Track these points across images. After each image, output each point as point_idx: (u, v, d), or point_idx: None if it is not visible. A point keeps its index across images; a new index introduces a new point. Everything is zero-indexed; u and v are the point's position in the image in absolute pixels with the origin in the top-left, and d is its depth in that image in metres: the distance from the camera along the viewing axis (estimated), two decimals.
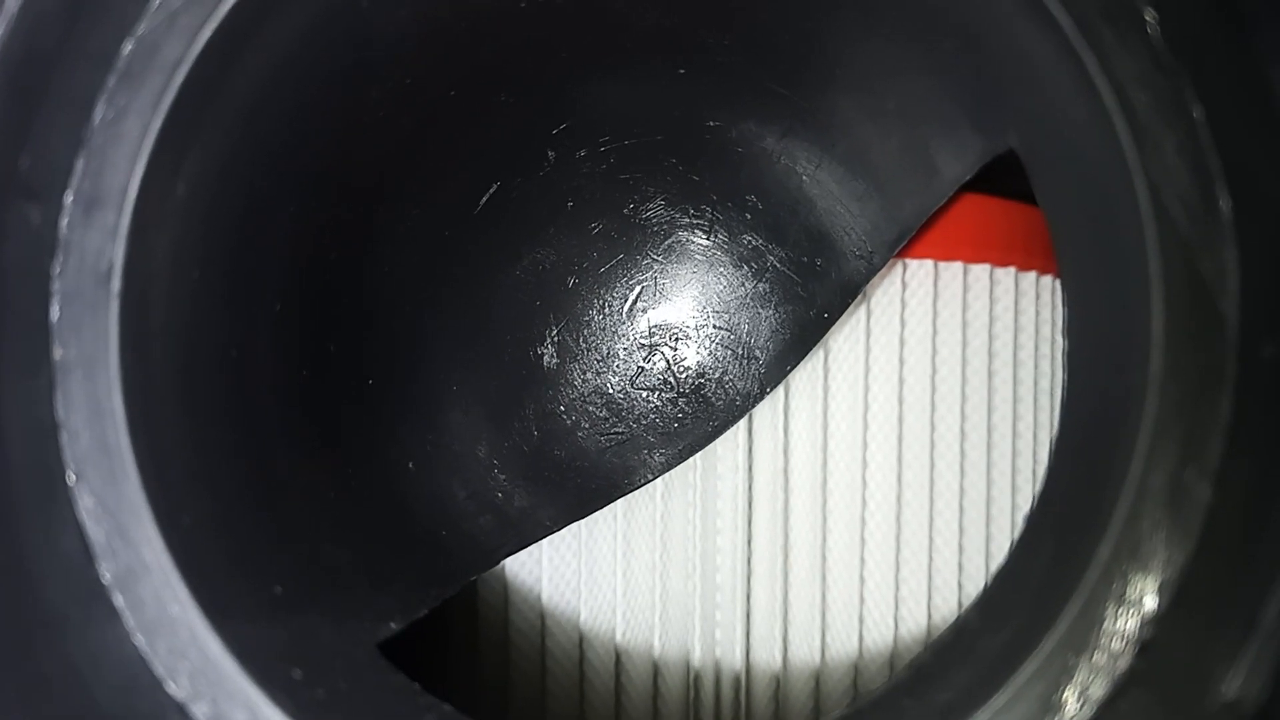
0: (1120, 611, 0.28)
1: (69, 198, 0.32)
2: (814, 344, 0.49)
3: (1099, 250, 0.31)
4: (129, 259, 0.32)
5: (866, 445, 0.50)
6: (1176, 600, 0.28)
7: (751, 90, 0.45)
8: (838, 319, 0.48)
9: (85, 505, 0.31)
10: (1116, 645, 0.28)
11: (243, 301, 0.37)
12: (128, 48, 0.32)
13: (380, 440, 0.45)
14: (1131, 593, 0.28)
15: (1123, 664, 0.28)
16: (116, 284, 0.32)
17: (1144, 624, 0.28)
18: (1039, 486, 0.33)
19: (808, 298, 0.49)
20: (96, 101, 0.32)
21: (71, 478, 0.31)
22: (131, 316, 0.32)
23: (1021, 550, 0.33)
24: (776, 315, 0.50)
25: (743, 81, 0.45)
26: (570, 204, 0.50)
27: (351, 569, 0.39)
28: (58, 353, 0.31)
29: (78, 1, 0.31)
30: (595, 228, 0.50)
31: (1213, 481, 0.28)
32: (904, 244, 0.46)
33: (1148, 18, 0.29)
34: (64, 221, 0.32)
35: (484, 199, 0.48)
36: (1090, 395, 0.32)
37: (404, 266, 0.46)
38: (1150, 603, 0.28)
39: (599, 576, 0.49)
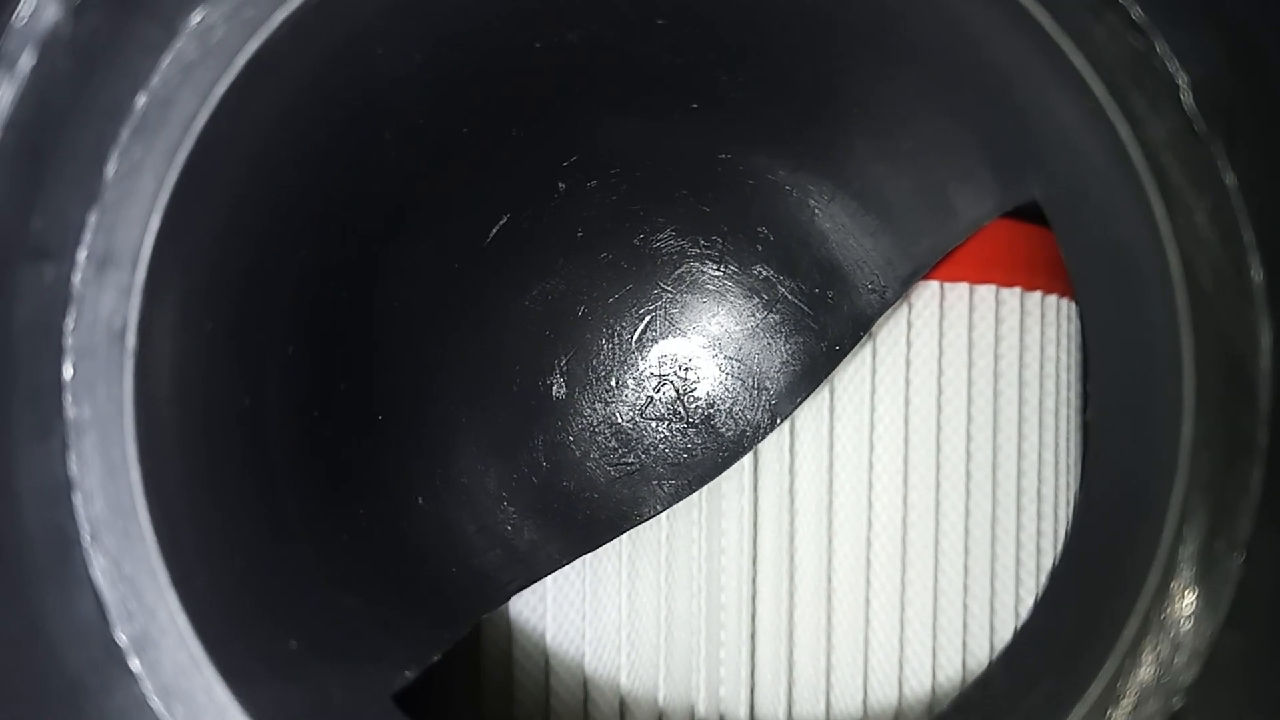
0: (1150, 681, 0.28)
1: (82, 255, 0.31)
2: (825, 376, 0.49)
3: (1126, 310, 0.31)
4: (143, 315, 0.32)
5: (872, 467, 0.50)
6: (1208, 672, 0.28)
7: (763, 126, 0.45)
8: (849, 351, 0.48)
9: (100, 567, 0.31)
10: (1147, 713, 0.28)
11: (254, 349, 0.37)
12: (141, 101, 0.31)
13: (389, 476, 0.45)
14: (1162, 662, 0.28)
15: None
16: (131, 341, 0.31)
17: (1174, 694, 0.28)
18: (1062, 544, 0.33)
19: (819, 330, 0.49)
20: (109, 157, 0.31)
21: (86, 539, 0.31)
22: (145, 373, 0.32)
23: (1048, 609, 0.33)
24: (787, 347, 0.50)
25: (755, 118, 0.44)
26: (580, 234, 0.49)
27: (364, 615, 0.39)
28: (71, 412, 0.31)
29: (90, 57, 0.30)
30: (605, 258, 0.50)
31: (1244, 553, 0.28)
32: (918, 279, 0.46)
33: (1180, 83, 0.28)
34: (77, 279, 0.31)
35: (494, 231, 0.48)
36: (1116, 458, 0.32)
37: (413, 300, 0.46)
38: (1181, 673, 0.28)
39: (603, 614, 0.49)
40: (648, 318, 0.51)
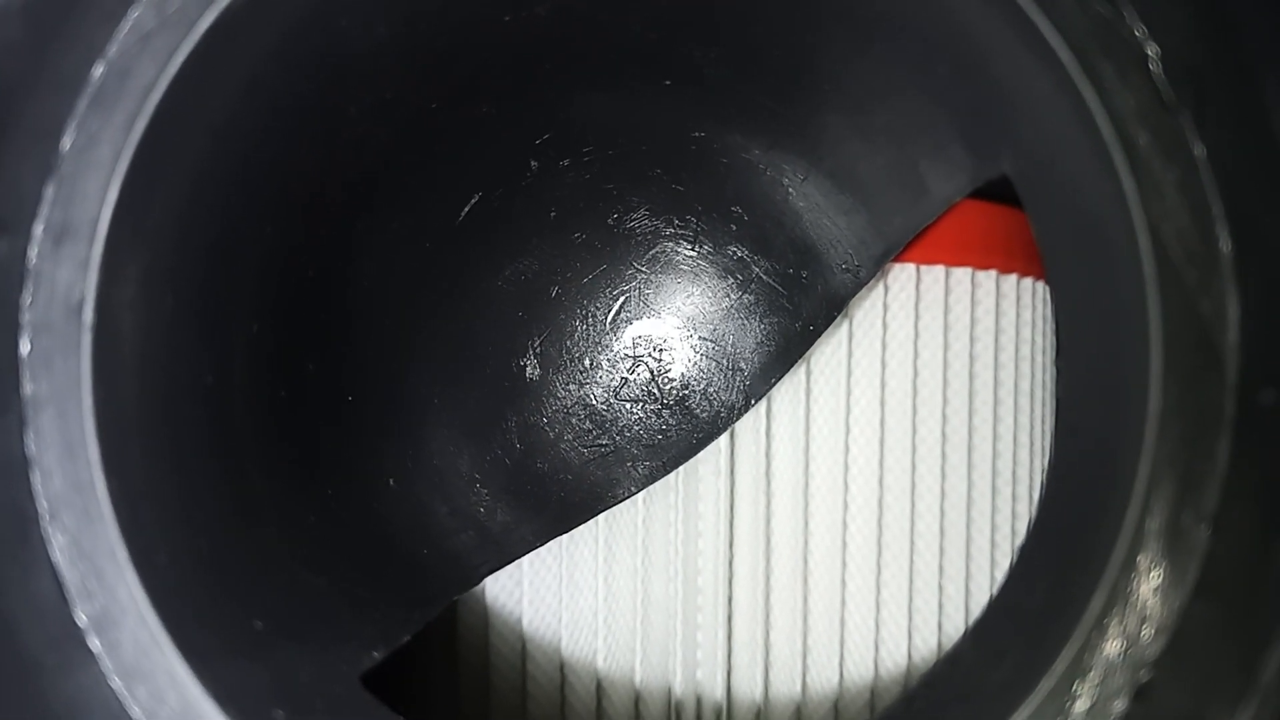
0: (1117, 654, 0.28)
1: (39, 228, 0.31)
2: (799, 356, 0.48)
3: (1095, 283, 0.31)
4: (101, 289, 0.31)
5: (848, 449, 0.50)
6: (1174, 646, 0.28)
7: (737, 103, 0.44)
8: (823, 331, 0.48)
9: (59, 545, 0.31)
10: (1113, 686, 0.28)
11: (218, 326, 0.36)
12: (98, 71, 0.31)
13: (360, 458, 0.44)
14: (1128, 635, 0.28)
15: (1119, 707, 0.28)
16: (89, 316, 0.31)
17: (1141, 667, 0.28)
18: (1031, 518, 0.33)
19: (793, 310, 0.49)
20: (66, 128, 0.31)
21: (45, 517, 0.30)
22: (104, 349, 0.31)
23: (1016, 582, 0.32)
24: (762, 327, 0.49)
25: (729, 95, 0.44)
26: (553, 214, 0.49)
27: (332, 596, 0.38)
28: (28, 388, 0.30)
29: (45, 26, 0.30)
30: (578, 237, 0.50)
31: (1210, 525, 0.27)
32: (890, 259, 0.45)
33: (1149, 53, 0.28)
34: (33, 252, 0.31)
35: (465, 210, 0.47)
36: (1084, 431, 0.32)
37: (384, 281, 0.45)
38: (1147, 646, 0.28)
39: (580, 597, 0.48)
40: (622, 298, 0.51)
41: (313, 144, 0.38)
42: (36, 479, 0.31)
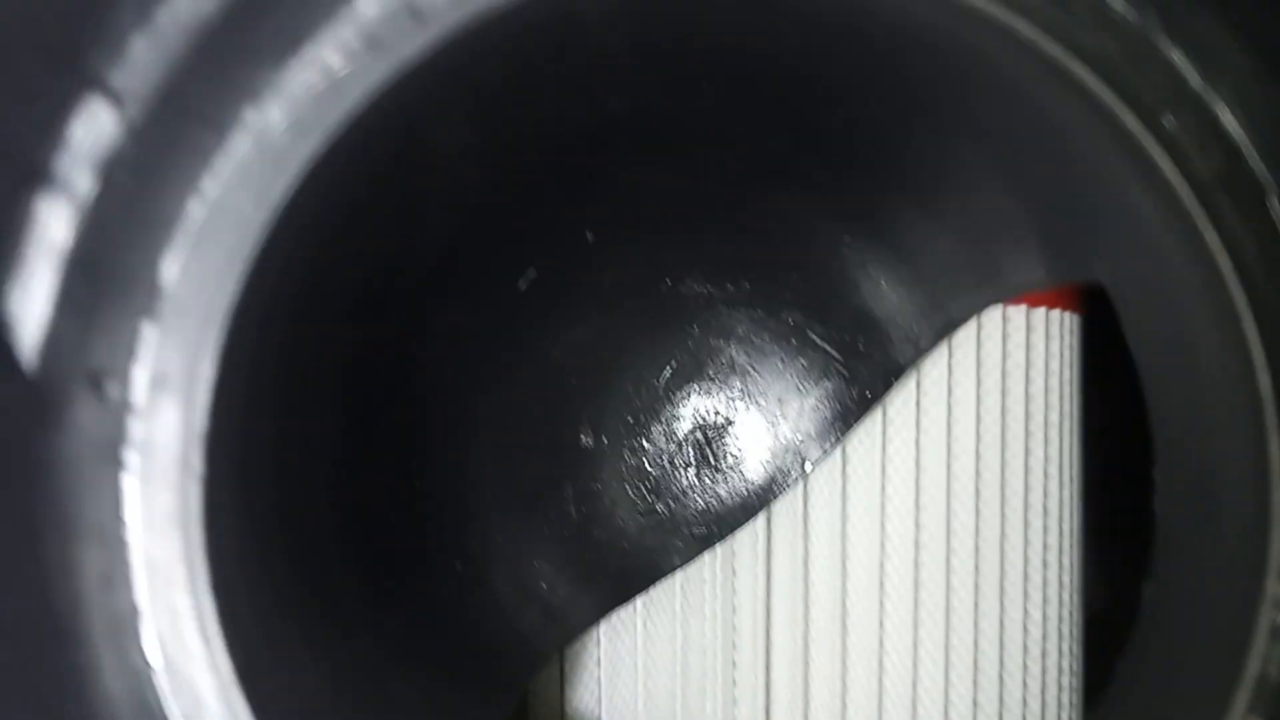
0: None
1: (139, 373, 0.30)
2: (855, 423, 0.48)
3: (1198, 416, 0.31)
4: (210, 431, 0.30)
5: (884, 489, 0.50)
6: None
7: (800, 178, 0.44)
8: (881, 398, 0.48)
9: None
10: None
11: (308, 440, 0.36)
12: (197, 209, 0.30)
13: (429, 545, 0.44)
14: None
15: None
16: (196, 461, 0.30)
17: None
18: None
19: (849, 376, 0.49)
20: (165, 269, 0.30)
21: (160, 679, 0.30)
22: (212, 487, 0.31)
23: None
24: (817, 392, 0.49)
25: (793, 170, 0.44)
26: (607, 282, 0.49)
27: (417, 703, 0.38)
28: (135, 539, 0.30)
29: (146, 169, 0.29)
30: (632, 304, 0.49)
31: None
32: (955, 330, 0.46)
33: (1272, 196, 0.28)
34: (134, 397, 0.30)
35: (522, 285, 0.47)
36: (1188, 540, 0.32)
37: (444, 361, 0.45)
38: None
39: (620, 674, 0.49)
40: (675, 363, 0.50)
41: (395, 245, 0.37)
42: (146, 630, 0.30)
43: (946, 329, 0.45)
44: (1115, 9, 0.29)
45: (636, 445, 0.50)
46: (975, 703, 0.51)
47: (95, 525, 0.30)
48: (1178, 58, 0.28)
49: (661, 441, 0.51)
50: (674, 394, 0.50)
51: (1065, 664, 0.52)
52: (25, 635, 0.29)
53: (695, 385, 0.50)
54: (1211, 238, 0.29)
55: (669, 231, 0.48)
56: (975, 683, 0.51)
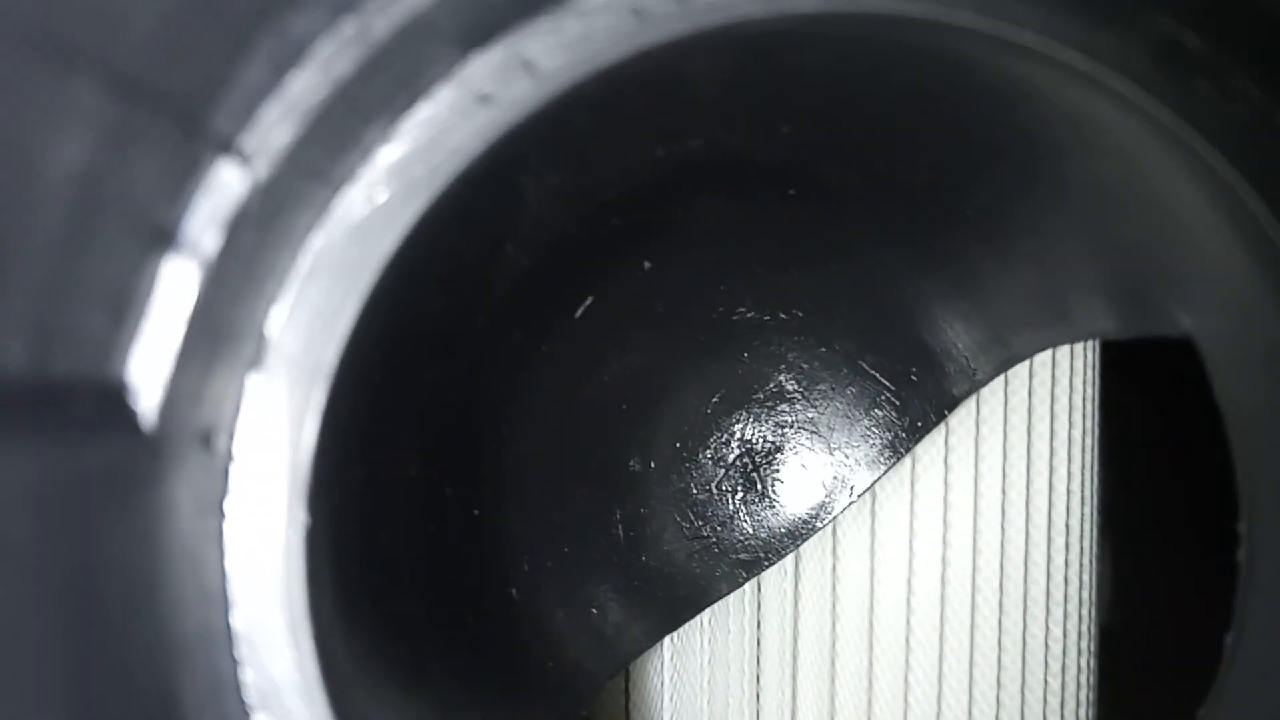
0: None
1: (242, 425, 0.30)
2: (905, 452, 0.49)
3: None
4: (311, 485, 0.30)
5: (912, 528, 0.51)
6: None
7: (860, 212, 0.44)
8: (932, 428, 0.48)
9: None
10: None
11: (391, 483, 0.35)
12: (304, 262, 0.29)
13: (489, 573, 0.44)
14: None
15: None
16: (300, 515, 0.30)
17: None
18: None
19: (900, 405, 0.49)
20: (271, 321, 0.29)
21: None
22: (312, 541, 0.30)
23: None
24: (866, 422, 0.50)
25: (852, 204, 0.44)
26: (660, 309, 0.48)
27: None
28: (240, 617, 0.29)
29: (266, 227, 0.28)
30: (683, 331, 0.49)
31: None
32: (1016, 364, 0.46)
33: None
34: (239, 450, 0.30)
35: (579, 312, 0.46)
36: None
37: (501, 390, 0.45)
38: None
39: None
40: (724, 390, 0.50)
41: (476, 283, 0.37)
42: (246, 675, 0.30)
43: (1008, 363, 0.46)
44: (1233, 84, 0.29)
45: (684, 471, 0.50)
46: (997, 718, 0.52)
47: (199, 578, 0.29)
48: None
49: (709, 467, 0.51)
50: (722, 420, 0.50)
51: (1083, 678, 0.53)
52: (133, 684, 0.28)
53: (744, 411, 0.50)
54: None
55: (724, 260, 0.47)
56: (998, 700, 0.52)
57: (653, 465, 0.50)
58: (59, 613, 0.25)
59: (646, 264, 0.47)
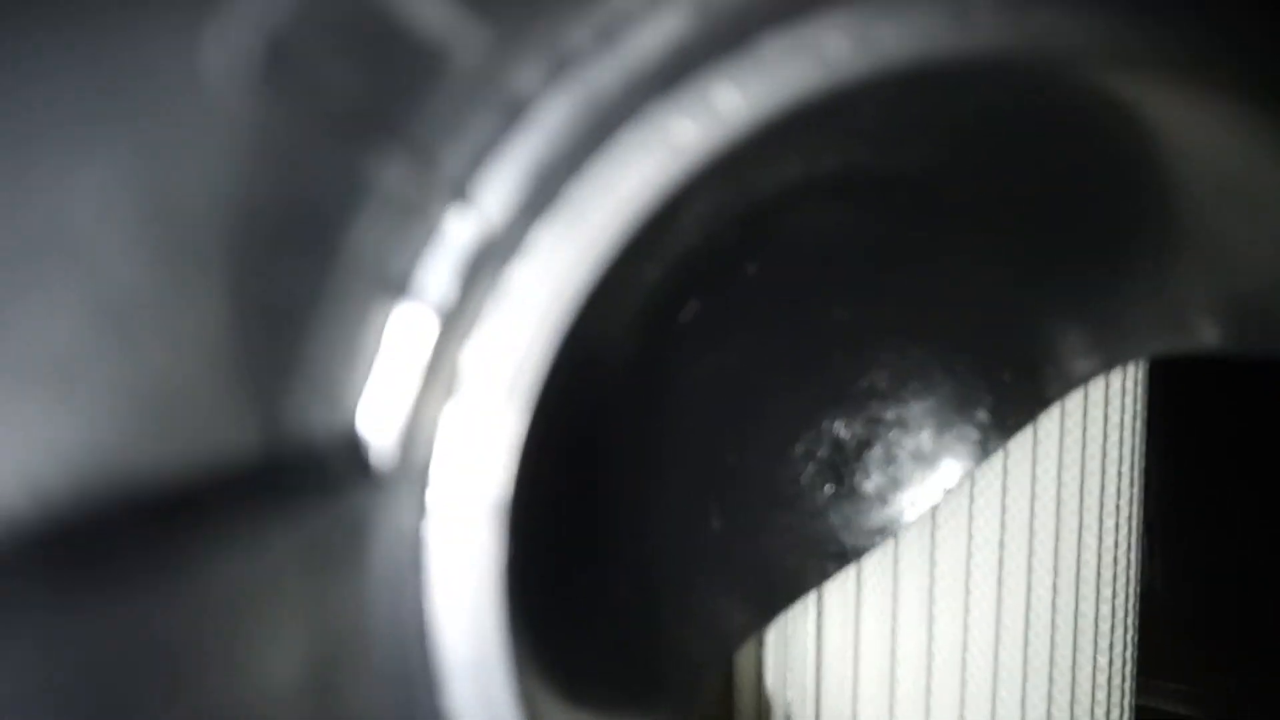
0: None
1: (442, 457, 0.31)
2: (993, 451, 0.50)
3: None
4: (506, 510, 0.31)
5: (933, 537, 0.52)
6: None
7: (972, 224, 0.45)
8: (1022, 427, 0.50)
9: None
10: None
11: (547, 514, 0.36)
12: (502, 302, 0.30)
13: (605, 578, 0.45)
14: None
15: None
16: (496, 541, 0.31)
17: None
18: None
19: (992, 406, 0.50)
20: (466, 355, 0.30)
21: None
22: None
23: None
24: (957, 421, 0.51)
25: (967, 218, 0.45)
26: (759, 309, 0.49)
27: None
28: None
29: (481, 272, 0.29)
30: (780, 330, 0.50)
31: None
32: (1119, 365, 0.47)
33: None
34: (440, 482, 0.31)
35: (685, 315, 0.47)
36: None
37: (621, 395, 0.45)
38: None
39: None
40: (817, 387, 0.51)
41: (626, 304, 0.38)
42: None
43: (1106, 368, 0.47)
44: None
45: (777, 466, 0.52)
46: (1049, 695, 0.54)
47: (402, 612, 0.30)
48: None
49: (799, 464, 0.52)
50: (815, 418, 0.52)
51: (1125, 653, 0.55)
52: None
53: (836, 409, 0.52)
54: None
55: (826, 262, 0.48)
56: (1051, 677, 0.54)
57: (748, 462, 0.51)
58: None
59: (751, 268, 0.48)
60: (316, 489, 0.24)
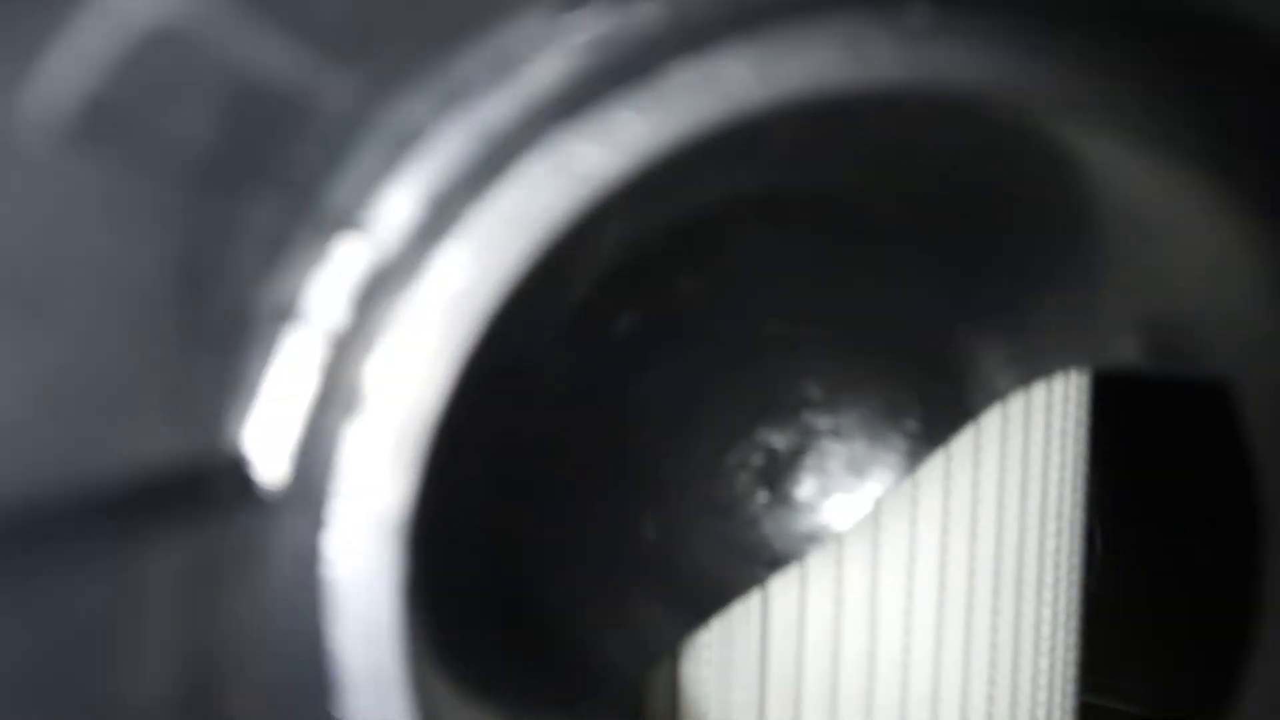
0: None
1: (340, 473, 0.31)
2: (922, 462, 0.51)
3: None
4: (402, 522, 0.32)
5: (914, 505, 0.53)
6: None
7: (900, 244, 0.46)
8: (949, 440, 0.51)
9: None
10: None
11: (460, 505, 0.37)
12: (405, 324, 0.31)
13: (536, 585, 0.46)
14: None
15: None
16: (393, 551, 0.32)
17: None
18: None
19: (922, 419, 0.51)
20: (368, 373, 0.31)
21: None
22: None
23: None
24: (888, 432, 0.52)
25: (895, 238, 0.46)
26: (693, 324, 0.50)
27: None
28: None
29: (374, 294, 0.29)
30: (714, 342, 0.51)
31: None
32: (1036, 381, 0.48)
33: None
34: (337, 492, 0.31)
35: (618, 327, 0.48)
36: None
37: (550, 406, 0.46)
38: None
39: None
40: (751, 398, 0.52)
41: (539, 321, 0.38)
42: None
43: (1027, 381, 0.48)
44: None
45: (711, 479, 0.52)
46: (990, 697, 0.55)
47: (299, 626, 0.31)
48: None
49: (734, 476, 0.53)
50: (749, 431, 0.52)
51: (1068, 654, 0.56)
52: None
53: (769, 421, 0.52)
54: None
55: (759, 279, 0.49)
56: (991, 679, 0.55)
57: (684, 473, 0.52)
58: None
59: (684, 283, 0.48)
60: (196, 509, 0.25)
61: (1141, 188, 0.38)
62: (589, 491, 0.50)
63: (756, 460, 0.53)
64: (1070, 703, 0.59)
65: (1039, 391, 0.51)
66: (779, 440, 0.53)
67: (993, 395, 0.49)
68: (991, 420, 0.51)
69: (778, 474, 0.53)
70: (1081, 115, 0.34)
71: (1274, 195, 0.34)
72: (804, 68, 0.31)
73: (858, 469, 0.53)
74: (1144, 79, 0.33)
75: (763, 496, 0.53)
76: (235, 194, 0.25)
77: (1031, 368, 0.47)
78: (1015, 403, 0.51)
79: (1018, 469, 0.53)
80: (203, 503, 0.25)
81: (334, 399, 0.30)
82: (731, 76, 0.32)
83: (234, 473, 0.27)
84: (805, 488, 0.53)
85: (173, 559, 0.24)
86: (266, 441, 0.28)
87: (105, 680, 0.23)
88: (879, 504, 0.52)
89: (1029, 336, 0.46)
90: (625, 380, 0.50)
